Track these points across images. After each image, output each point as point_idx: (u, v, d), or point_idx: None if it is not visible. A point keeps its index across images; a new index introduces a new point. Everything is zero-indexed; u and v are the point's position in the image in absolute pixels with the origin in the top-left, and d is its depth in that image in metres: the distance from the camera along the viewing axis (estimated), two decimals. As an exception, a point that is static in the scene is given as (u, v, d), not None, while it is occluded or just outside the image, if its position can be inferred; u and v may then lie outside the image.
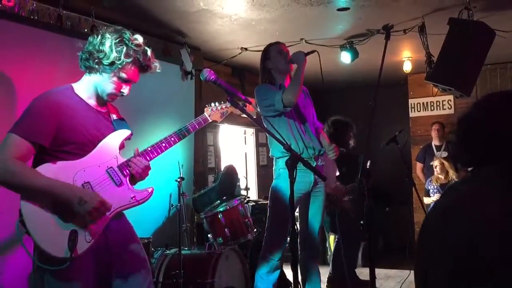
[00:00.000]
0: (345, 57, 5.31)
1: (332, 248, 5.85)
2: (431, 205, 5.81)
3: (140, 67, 2.18)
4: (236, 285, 3.84)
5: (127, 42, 2.11)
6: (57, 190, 1.94)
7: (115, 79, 2.14)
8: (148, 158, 2.22)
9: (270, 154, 3.48)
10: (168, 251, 3.89)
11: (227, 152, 6.54)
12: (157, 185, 4.56)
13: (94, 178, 2.08)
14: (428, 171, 6.32)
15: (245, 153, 7.09)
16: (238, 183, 5.00)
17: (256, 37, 5.01)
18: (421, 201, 5.27)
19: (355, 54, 5.27)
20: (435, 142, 6.52)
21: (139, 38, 2.18)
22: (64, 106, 2.07)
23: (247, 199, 4.71)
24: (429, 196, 5.94)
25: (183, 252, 3.68)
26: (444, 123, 6.62)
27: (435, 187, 5.88)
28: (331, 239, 5.86)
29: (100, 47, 2.09)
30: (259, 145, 7.07)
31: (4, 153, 1.94)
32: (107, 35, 2.11)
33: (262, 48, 3.60)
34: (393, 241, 6.93)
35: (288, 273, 4.51)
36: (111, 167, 2.13)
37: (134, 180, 2.24)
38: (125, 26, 4.47)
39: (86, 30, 4.07)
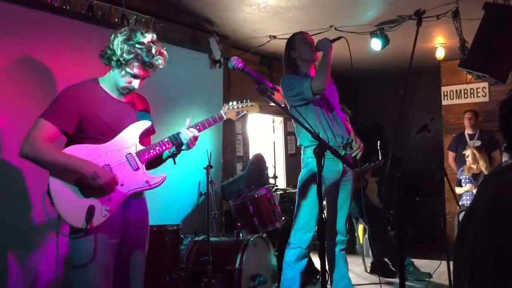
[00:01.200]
0: (376, 44, 5.22)
1: (361, 238, 5.83)
2: (463, 195, 5.70)
3: (144, 63, 2.33)
4: (263, 272, 3.86)
5: (132, 40, 2.29)
6: (73, 165, 2.22)
7: (123, 73, 2.34)
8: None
9: (298, 143, 3.47)
10: (197, 238, 3.94)
11: (255, 141, 6.55)
12: (186, 173, 4.65)
13: (114, 161, 2.32)
14: (461, 161, 6.18)
15: (274, 142, 7.08)
16: (266, 172, 5.01)
17: (285, 25, 4.97)
18: (453, 191, 5.17)
19: (386, 41, 5.18)
20: (468, 131, 6.36)
21: (147, 36, 2.34)
22: (88, 98, 2.33)
23: (275, 187, 4.71)
24: (461, 186, 5.82)
25: (211, 239, 3.72)
26: (478, 111, 6.45)
27: (467, 177, 5.76)
28: (360, 229, 5.82)
29: (111, 46, 2.32)
30: (287, 133, 7.05)
31: (32, 133, 2.23)
32: (119, 34, 2.32)
33: (290, 36, 3.58)
34: (423, 231, 6.82)
35: (316, 261, 4.52)
36: (130, 153, 2.37)
37: (151, 166, 2.51)
38: (154, 15, 4.57)
39: (116, 19, 4.12)
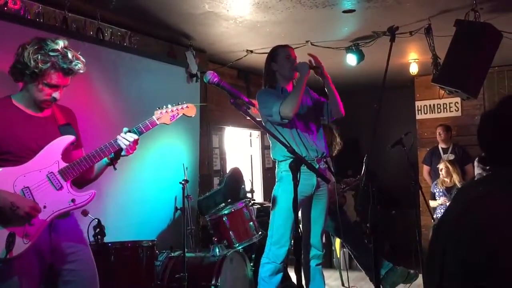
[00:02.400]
0: (351, 59, 5.30)
1: (338, 251, 5.83)
2: (437, 208, 5.77)
3: (62, 70, 2.20)
4: (240, 288, 3.83)
5: (44, 49, 2.16)
6: None
7: (41, 86, 2.19)
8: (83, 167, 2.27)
9: (272, 157, 3.46)
10: (172, 254, 3.88)
11: (232, 155, 6.53)
12: (161, 188, 4.58)
13: (33, 183, 2.17)
14: (435, 174, 6.28)
15: (251, 156, 7.07)
16: (243, 186, 4.99)
17: (262, 39, 5.00)
18: (427, 205, 5.24)
19: (361, 56, 5.25)
20: (441, 145, 6.47)
21: (60, 43, 2.22)
22: (1, 119, 2.16)
23: (252, 201, 4.69)
24: (435, 199, 5.90)
25: (187, 254, 3.67)
26: (451, 125, 6.58)
27: (441, 190, 5.84)
28: (337, 242, 5.83)
29: (21, 59, 2.16)
30: (264, 147, 7.05)
31: None
32: (27, 46, 2.17)
33: (267, 50, 3.58)
34: (399, 244, 6.87)
35: (293, 276, 4.50)
36: (52, 172, 2.21)
37: (80, 184, 2.36)
38: (130, 29, 4.54)
39: (91, 32, 4.08)
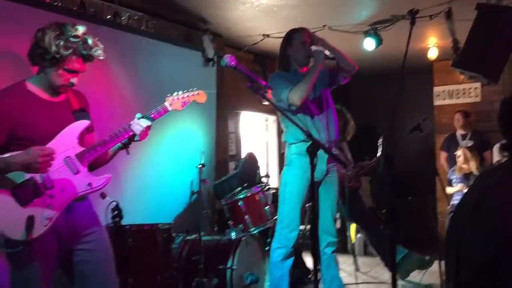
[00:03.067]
0: (369, 44, 5.22)
1: (353, 237, 5.83)
2: (454, 195, 5.72)
3: (82, 56, 2.22)
4: (255, 271, 3.86)
5: (65, 34, 2.16)
6: (4, 161, 2.09)
7: (60, 71, 2.20)
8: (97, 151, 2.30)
9: (282, 140, 3.42)
10: (189, 237, 3.92)
11: (248, 140, 6.54)
12: (178, 172, 4.62)
13: (51, 167, 2.18)
14: (452, 161, 6.20)
15: (266, 141, 7.07)
16: (258, 171, 5.00)
17: (278, 23, 4.96)
18: (444, 191, 5.19)
19: (379, 41, 5.18)
20: (459, 131, 6.38)
21: (80, 29, 2.23)
22: (17, 105, 2.17)
23: (267, 186, 4.70)
24: (452, 186, 5.84)
25: (203, 238, 3.71)
26: (469, 111, 6.47)
27: (458, 177, 5.77)
28: (352, 228, 5.83)
29: (40, 44, 2.16)
30: (280, 132, 7.02)
31: None
32: (47, 31, 2.17)
33: (284, 34, 3.53)
34: (416, 230, 6.84)
35: (309, 260, 4.52)
36: (68, 156, 2.24)
37: (94, 166, 2.39)
38: (147, 12, 4.53)
39: (109, 16, 4.09)
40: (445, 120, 7.07)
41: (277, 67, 3.51)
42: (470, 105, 6.79)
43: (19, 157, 2.10)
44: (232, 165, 5.76)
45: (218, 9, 4.60)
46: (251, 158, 4.92)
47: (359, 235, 5.88)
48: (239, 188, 4.24)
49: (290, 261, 3.33)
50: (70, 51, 2.16)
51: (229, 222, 4.06)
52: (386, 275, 4.83)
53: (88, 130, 2.34)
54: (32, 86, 2.25)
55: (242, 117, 6.34)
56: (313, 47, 3.31)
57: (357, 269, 5.16)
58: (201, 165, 3.92)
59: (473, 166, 5.65)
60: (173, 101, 2.51)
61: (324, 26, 5.02)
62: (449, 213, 5.65)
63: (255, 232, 3.99)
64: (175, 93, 2.54)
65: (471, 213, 1.22)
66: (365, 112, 7.95)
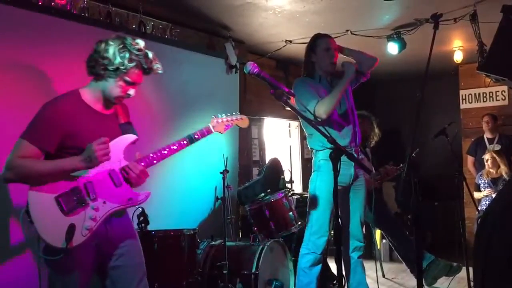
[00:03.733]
0: (392, 48, 5.19)
1: (379, 243, 5.77)
2: (482, 200, 5.61)
3: (143, 69, 2.29)
4: (279, 277, 3.86)
5: (129, 47, 2.23)
6: (63, 164, 2.16)
7: (120, 83, 2.26)
8: (145, 164, 2.34)
9: (309, 147, 3.43)
10: (213, 242, 3.95)
11: (271, 145, 6.56)
12: (202, 178, 4.66)
13: (96, 178, 2.24)
14: (480, 165, 6.09)
15: (290, 146, 7.08)
16: (282, 176, 5.00)
17: (301, 29, 4.98)
18: (472, 196, 5.10)
19: (402, 45, 5.14)
20: (487, 135, 6.27)
21: (141, 43, 2.29)
22: (70, 114, 2.22)
23: (291, 192, 4.71)
24: (479, 190, 5.74)
25: (228, 243, 3.73)
26: (497, 114, 6.35)
27: (486, 181, 5.67)
28: (378, 234, 5.77)
29: (105, 54, 2.21)
30: (303, 138, 7.03)
31: (12, 155, 2.16)
32: (111, 42, 2.23)
33: (306, 40, 3.56)
34: (442, 236, 6.74)
35: (333, 266, 4.49)
36: (113, 169, 2.28)
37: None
38: (171, 21, 4.60)
39: (134, 26, 4.18)
40: (471, 124, 6.95)
41: (301, 73, 3.51)
42: (497, 108, 6.67)
43: (81, 155, 2.16)
44: (255, 170, 5.77)
45: (240, 16, 4.64)
46: (275, 164, 4.93)
47: (384, 241, 5.82)
48: (263, 194, 4.25)
49: (318, 268, 3.32)
50: (134, 63, 2.23)
51: (253, 227, 4.07)
52: (412, 281, 4.76)
53: (133, 144, 2.39)
54: (87, 96, 2.30)
55: (266, 123, 6.36)
56: (343, 60, 3.31)
57: (382, 276, 5.10)
58: (225, 171, 3.95)
59: (503, 170, 5.54)
60: (217, 123, 2.59)
61: (347, 31, 5.01)
62: (476, 218, 5.55)
63: (279, 237, 4.00)
64: (219, 115, 2.62)
65: (498, 219, 1.21)
66: (390, 116, 7.89)
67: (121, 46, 2.22)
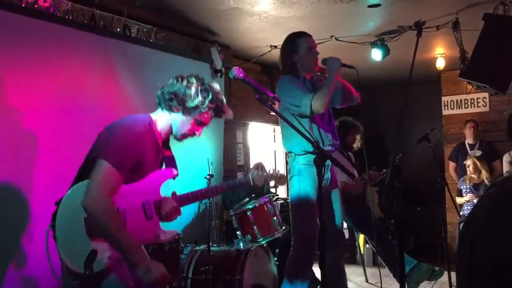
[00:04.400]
0: (376, 54, 5.25)
1: (362, 247, 5.80)
2: (464, 205, 5.68)
3: (216, 113, 2.32)
4: (264, 282, 3.85)
5: (209, 89, 2.26)
6: (130, 250, 2.06)
7: (192, 121, 2.28)
8: (178, 202, 2.34)
9: (286, 150, 3.36)
10: (197, 247, 3.93)
11: (256, 150, 6.56)
12: (186, 182, 4.63)
13: (130, 205, 2.18)
14: (461, 171, 6.18)
15: (274, 151, 7.09)
16: (267, 181, 5.00)
17: (286, 35, 4.94)
18: (454, 201, 5.17)
19: (386, 51, 5.20)
20: (468, 141, 6.37)
21: (216, 86, 2.32)
22: (147, 144, 2.21)
23: (275, 196, 4.71)
24: (461, 196, 5.81)
25: (212, 248, 3.71)
26: (478, 121, 6.46)
27: (468, 187, 5.75)
28: (361, 238, 5.81)
29: (186, 91, 2.23)
30: (288, 143, 7.05)
31: (101, 185, 2.02)
32: (193, 80, 2.25)
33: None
34: (425, 241, 6.81)
35: (317, 271, 4.50)
36: (148, 200, 2.23)
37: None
38: (156, 25, 4.59)
39: (118, 29, 4.15)
40: (453, 130, 7.05)
41: (281, 71, 3.40)
42: (478, 115, 6.78)
43: (146, 265, 2.07)
44: (240, 175, 5.77)
45: (226, 21, 4.65)
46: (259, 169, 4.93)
47: (367, 245, 5.86)
48: (247, 199, 4.25)
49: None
50: (213, 105, 2.25)
51: (237, 232, 4.06)
52: (395, 286, 4.79)
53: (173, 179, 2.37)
54: (159, 127, 2.30)
55: (250, 128, 6.36)
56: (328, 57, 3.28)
57: (366, 280, 5.13)
58: (209, 176, 3.94)
59: (484, 176, 5.63)
60: (256, 176, 2.60)
61: (332, 37, 5.05)
62: (458, 223, 5.62)
63: (263, 242, 4.00)
64: (260, 168, 2.64)
65: (484, 220, 1.23)
66: (373, 122, 7.96)
67: (203, 86, 2.25)
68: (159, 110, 2.31)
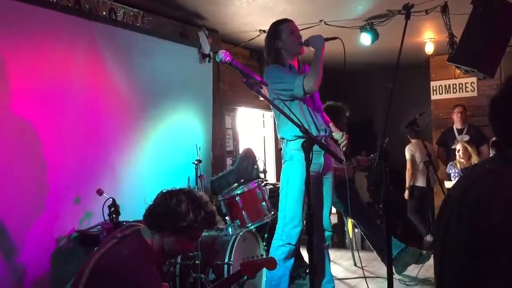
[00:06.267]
0: (365, 39, 5.23)
1: (350, 232, 5.85)
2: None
3: (209, 228, 2.29)
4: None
5: (202, 206, 2.15)
6: None
7: (185, 239, 2.17)
8: None
9: (279, 136, 3.38)
10: (186, 233, 3.93)
11: (245, 135, 6.55)
12: (175, 168, 4.61)
13: None
14: (449, 156, 6.23)
15: (264, 136, 7.08)
16: (256, 166, 5.00)
17: (274, 19, 4.87)
18: (442, 185, 5.21)
19: (375, 36, 5.18)
20: (456, 126, 6.41)
21: (205, 197, 2.22)
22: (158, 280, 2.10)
23: (265, 182, 4.71)
24: (450, 180, 5.87)
25: (201, 234, 3.71)
26: (466, 106, 6.49)
27: (457, 171, 5.80)
28: (349, 223, 5.85)
29: (176, 209, 2.12)
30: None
31: None
32: (182, 197, 2.15)
33: (280, 30, 3.52)
34: (412, 225, 6.88)
35: (305, 255, 4.53)
36: None
37: None
38: (143, 9, 4.51)
39: (104, 13, 4.07)
40: (442, 115, 7.09)
41: (265, 60, 3.41)
42: (466, 100, 6.82)
43: None
44: (229, 160, 5.76)
45: (214, 5, 4.59)
46: (248, 154, 4.92)
47: (356, 230, 5.90)
48: (236, 184, 4.24)
49: (292, 260, 3.30)
50: (206, 222, 2.17)
51: (226, 217, 4.06)
52: (383, 269, 4.84)
53: None
54: (156, 251, 2.16)
55: (239, 113, 6.34)
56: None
57: (354, 264, 5.18)
58: (198, 161, 3.92)
59: (474, 160, 5.68)
60: (247, 266, 2.63)
61: (321, 21, 5.02)
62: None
63: (252, 227, 4.00)
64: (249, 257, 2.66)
65: (454, 205, 1.25)
66: (362, 107, 7.97)
67: (195, 203, 2.14)
68: (150, 232, 2.18)
